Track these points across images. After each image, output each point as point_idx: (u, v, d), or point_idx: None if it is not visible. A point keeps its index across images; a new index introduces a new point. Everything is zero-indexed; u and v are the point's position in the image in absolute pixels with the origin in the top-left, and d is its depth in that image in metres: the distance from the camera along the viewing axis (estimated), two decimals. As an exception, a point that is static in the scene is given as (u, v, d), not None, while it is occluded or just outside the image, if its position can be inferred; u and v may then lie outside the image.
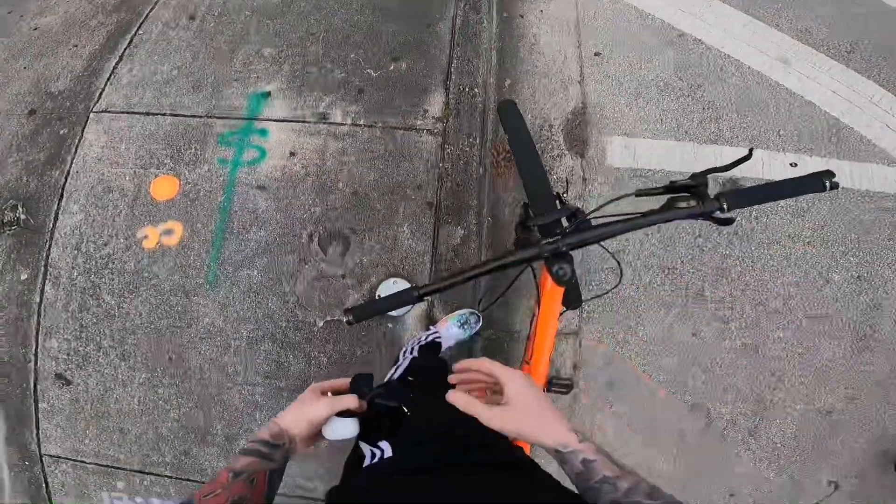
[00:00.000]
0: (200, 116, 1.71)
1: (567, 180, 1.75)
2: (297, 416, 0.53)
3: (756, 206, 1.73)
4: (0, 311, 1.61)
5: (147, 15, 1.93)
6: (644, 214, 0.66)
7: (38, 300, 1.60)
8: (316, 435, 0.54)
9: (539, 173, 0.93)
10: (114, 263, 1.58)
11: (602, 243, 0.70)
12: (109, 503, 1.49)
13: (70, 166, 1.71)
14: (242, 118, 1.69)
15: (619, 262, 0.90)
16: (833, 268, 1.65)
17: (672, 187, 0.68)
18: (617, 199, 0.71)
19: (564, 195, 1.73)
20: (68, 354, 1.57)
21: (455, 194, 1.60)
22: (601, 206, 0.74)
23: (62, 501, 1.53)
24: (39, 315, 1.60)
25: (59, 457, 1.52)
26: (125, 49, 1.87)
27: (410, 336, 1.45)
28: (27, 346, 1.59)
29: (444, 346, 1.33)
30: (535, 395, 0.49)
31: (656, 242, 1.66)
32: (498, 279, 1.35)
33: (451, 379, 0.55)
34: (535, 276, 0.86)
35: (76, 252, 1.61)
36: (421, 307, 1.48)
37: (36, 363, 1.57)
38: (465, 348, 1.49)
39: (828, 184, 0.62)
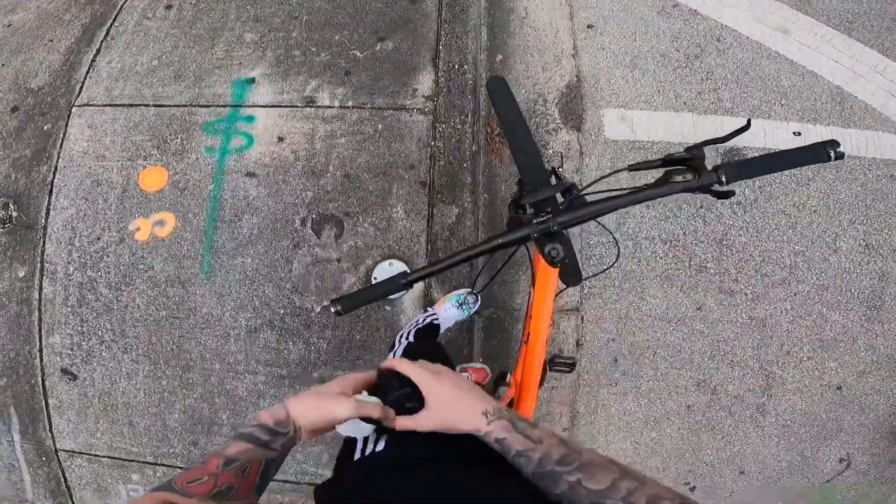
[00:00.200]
0: (184, 106, 1.67)
1: (562, 155, 1.72)
2: (313, 409, 0.47)
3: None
4: (1, 308, 1.62)
5: (122, 6, 1.87)
6: (639, 189, 0.64)
7: (37, 297, 1.61)
8: (326, 428, 0.49)
9: (531, 149, 0.91)
10: (108, 257, 1.58)
11: (599, 219, 0.68)
12: (126, 495, 1.52)
13: (57, 161, 1.69)
14: (228, 105, 1.66)
15: (616, 239, 0.88)
16: (840, 236, 1.61)
17: (668, 160, 0.65)
18: (610, 174, 0.69)
19: (560, 170, 1.70)
20: (72, 350, 1.58)
21: (448, 173, 1.58)
22: (594, 182, 0.72)
23: (83, 496, 1.56)
24: (40, 311, 1.60)
25: (74, 451, 1.55)
26: (102, 41, 1.82)
27: (409, 319, 1.45)
28: (31, 342, 1.60)
29: (443, 327, 1.32)
30: (445, 388, 0.49)
31: (657, 214, 1.63)
32: (495, 257, 1.34)
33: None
34: (529, 255, 0.84)
35: (70, 247, 1.61)
36: (419, 287, 1.48)
37: (41, 359, 1.59)
38: (465, 328, 1.50)
39: (832, 153, 0.59)
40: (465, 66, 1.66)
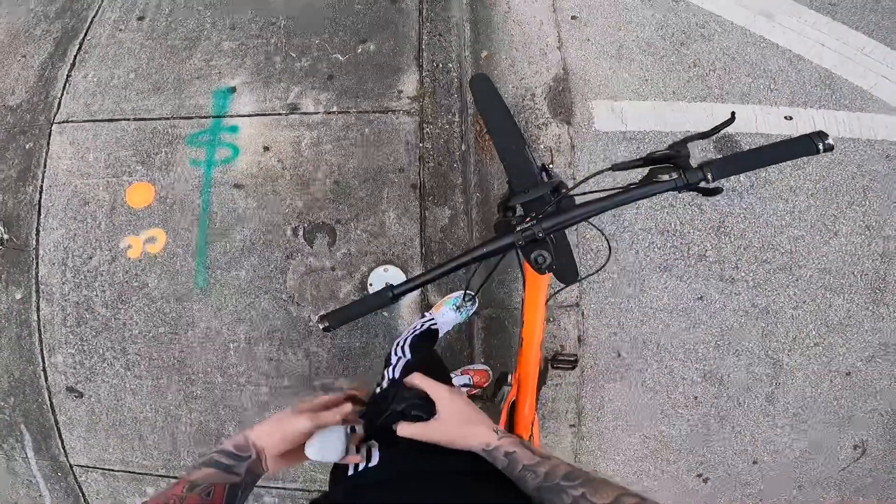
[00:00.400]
0: (166, 118, 1.65)
1: (553, 149, 1.71)
2: (269, 429, 0.49)
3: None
4: (1, 331, 1.63)
5: (93, 19, 1.82)
6: (625, 189, 0.63)
7: (35, 318, 1.61)
8: (295, 453, 0.50)
9: (517, 148, 0.89)
10: (102, 276, 1.58)
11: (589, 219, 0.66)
12: None
13: (42, 181, 1.67)
14: (210, 116, 1.63)
15: (606, 238, 0.87)
16: (839, 219, 1.59)
17: (651, 158, 0.64)
18: (593, 175, 0.67)
19: (550, 165, 1.70)
20: (75, 368, 1.59)
21: (439, 174, 1.57)
22: (578, 183, 0.71)
23: (102, 509, 1.60)
24: (40, 332, 1.61)
25: (88, 466, 1.58)
26: (76, 55, 1.78)
27: (407, 323, 1.47)
28: (34, 363, 1.61)
29: (442, 332, 1.32)
30: (460, 405, 0.53)
31: (652, 204, 1.60)
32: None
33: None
34: (519, 259, 0.83)
35: (64, 268, 1.60)
36: (415, 292, 1.49)
37: (46, 379, 1.60)
38: (465, 330, 1.50)
39: (821, 146, 0.57)
40: (450, 65, 1.63)
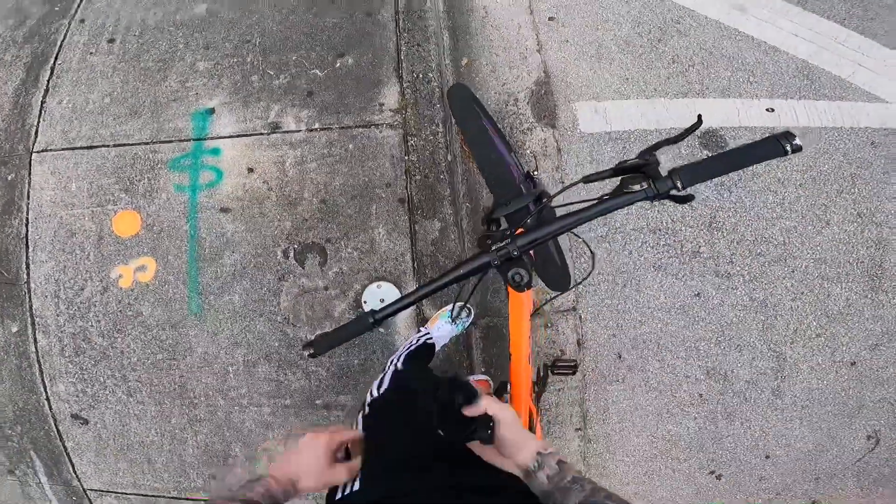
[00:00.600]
0: (146, 143, 1.63)
1: (538, 155, 1.71)
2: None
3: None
4: (2, 363, 1.64)
5: (61, 42, 1.77)
6: (599, 201, 0.62)
7: (34, 349, 1.62)
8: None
9: (496, 159, 0.88)
10: (96, 306, 1.58)
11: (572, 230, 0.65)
12: None
13: (27, 213, 1.65)
14: (190, 139, 1.61)
15: (589, 246, 0.86)
16: (830, 208, 1.59)
17: (621, 168, 0.63)
18: (567, 187, 0.67)
19: (535, 172, 1.70)
20: (77, 396, 1.61)
21: (426, 186, 1.57)
22: (557, 194, 0.70)
23: (119, 533, 1.63)
24: (39, 363, 1.62)
25: (102, 490, 1.61)
26: (48, 80, 1.74)
27: (404, 338, 1.49)
28: (37, 392, 1.63)
29: (439, 345, 1.31)
30: (518, 423, 0.55)
31: (641, 203, 1.60)
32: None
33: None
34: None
35: (57, 300, 1.61)
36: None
37: (50, 407, 1.62)
38: (462, 341, 1.51)
39: (788, 147, 0.56)
40: (430, 75, 1.61)
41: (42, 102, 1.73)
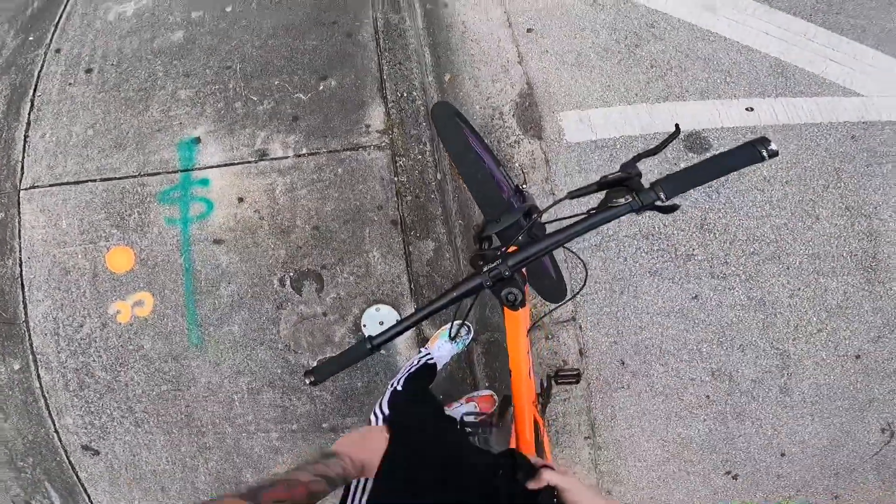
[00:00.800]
0: (133, 176, 1.62)
1: (526, 167, 1.72)
2: None
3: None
4: (7, 399, 1.66)
5: (39, 73, 1.74)
6: (586, 216, 0.63)
7: (38, 385, 1.64)
8: None
9: (482, 177, 0.88)
10: (96, 342, 1.60)
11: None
12: None
13: (20, 253, 1.65)
14: (178, 170, 1.60)
15: (583, 261, 0.87)
16: (818, 203, 1.60)
17: (605, 182, 0.63)
18: (553, 205, 0.67)
19: (524, 186, 1.71)
20: (86, 428, 1.64)
21: (417, 207, 1.58)
22: (546, 210, 0.72)
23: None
24: (45, 398, 1.64)
25: None
26: (29, 113, 1.71)
27: (405, 359, 1.51)
28: (45, 426, 1.65)
29: (440, 364, 1.32)
30: (583, 487, 0.58)
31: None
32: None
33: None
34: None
35: (57, 337, 1.62)
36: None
37: (60, 439, 1.65)
38: (464, 358, 1.52)
39: (765, 152, 0.56)
40: (414, 93, 1.61)
41: (25, 137, 1.71)
